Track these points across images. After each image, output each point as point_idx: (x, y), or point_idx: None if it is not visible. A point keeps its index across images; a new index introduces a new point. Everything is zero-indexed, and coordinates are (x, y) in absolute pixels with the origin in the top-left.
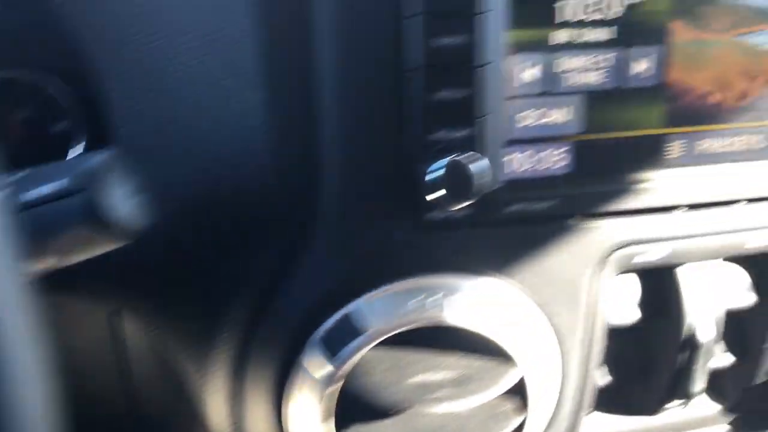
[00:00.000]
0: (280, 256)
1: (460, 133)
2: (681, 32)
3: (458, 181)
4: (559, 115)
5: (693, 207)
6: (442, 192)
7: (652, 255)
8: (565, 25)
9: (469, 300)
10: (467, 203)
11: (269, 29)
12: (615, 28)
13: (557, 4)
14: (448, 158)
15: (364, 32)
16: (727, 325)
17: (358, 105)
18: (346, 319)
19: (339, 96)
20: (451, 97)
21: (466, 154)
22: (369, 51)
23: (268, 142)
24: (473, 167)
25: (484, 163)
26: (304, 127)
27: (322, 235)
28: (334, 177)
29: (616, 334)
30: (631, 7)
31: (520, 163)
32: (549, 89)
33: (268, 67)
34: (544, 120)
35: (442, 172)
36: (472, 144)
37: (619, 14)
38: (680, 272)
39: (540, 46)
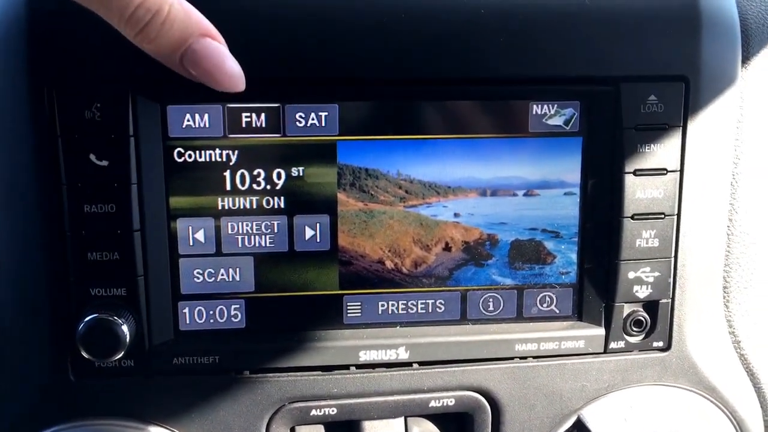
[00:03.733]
0: None
1: (119, 291)
2: (347, 203)
3: (95, 338)
4: (231, 275)
5: (367, 366)
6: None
7: (328, 410)
8: (234, 192)
9: None
10: (111, 358)
11: None
12: (282, 197)
13: (225, 174)
14: (90, 316)
15: (27, 197)
16: None
17: (28, 263)
18: None
19: (9, 254)
20: (106, 259)
21: (113, 313)
22: (31, 211)
23: None
24: (111, 327)
25: (129, 322)
26: None
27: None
28: (10, 328)
29: None
30: (296, 179)
31: (191, 317)
32: (220, 250)
33: None
34: (215, 278)
35: (83, 329)
36: (133, 300)
37: (286, 184)
38: (367, 426)
39: (208, 211)
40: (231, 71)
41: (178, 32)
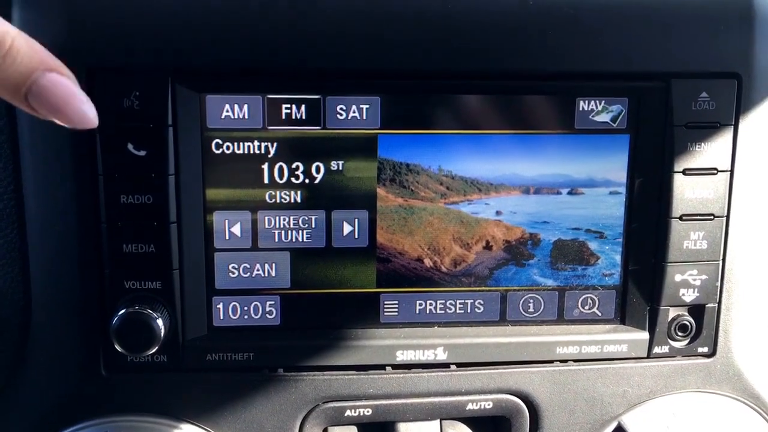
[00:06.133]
0: None
1: (153, 284)
2: (387, 199)
3: (129, 332)
4: (267, 270)
5: (404, 367)
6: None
7: (362, 410)
8: (272, 185)
9: None
10: (145, 352)
11: None
12: (321, 191)
13: (263, 166)
14: (125, 310)
15: (62, 188)
16: None
17: (61, 255)
18: None
19: (42, 246)
20: (141, 251)
21: (148, 306)
22: (66, 202)
23: None
24: (146, 320)
25: (163, 316)
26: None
27: (27, 371)
28: (42, 322)
29: None
30: (335, 173)
31: (225, 313)
32: (256, 245)
33: None
34: (250, 273)
35: (118, 322)
36: (168, 294)
37: (324, 178)
38: (401, 428)
39: (245, 205)
40: (81, 107)
41: (22, 65)
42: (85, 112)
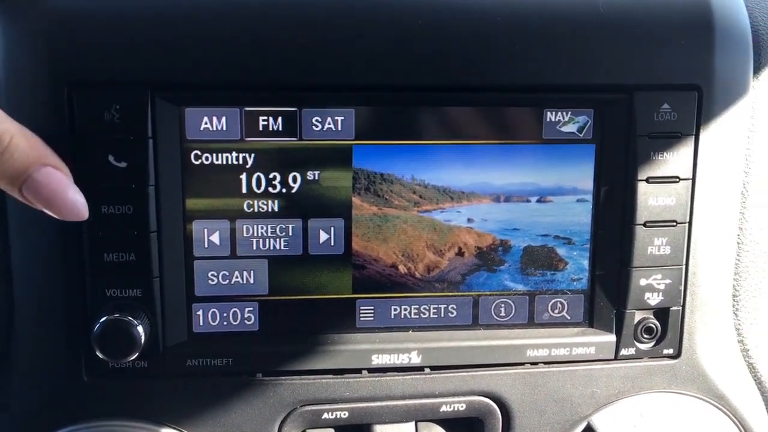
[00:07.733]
0: None
1: (134, 292)
2: (362, 207)
3: (110, 339)
4: (245, 277)
5: (379, 371)
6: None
7: (339, 413)
8: (250, 195)
9: None
10: (126, 358)
11: None
12: (297, 200)
13: (241, 176)
14: (106, 317)
15: None
16: None
17: (43, 264)
18: None
19: (25, 255)
20: (122, 260)
21: (128, 314)
22: (45, 215)
23: None
24: (127, 327)
25: (144, 323)
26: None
27: (11, 379)
28: (24, 328)
29: None
30: (311, 183)
31: (205, 319)
32: (234, 253)
33: None
34: (229, 281)
35: (99, 329)
36: (148, 302)
37: (301, 188)
38: (378, 430)
39: (224, 214)
40: (72, 201)
41: (19, 162)
42: (76, 204)
